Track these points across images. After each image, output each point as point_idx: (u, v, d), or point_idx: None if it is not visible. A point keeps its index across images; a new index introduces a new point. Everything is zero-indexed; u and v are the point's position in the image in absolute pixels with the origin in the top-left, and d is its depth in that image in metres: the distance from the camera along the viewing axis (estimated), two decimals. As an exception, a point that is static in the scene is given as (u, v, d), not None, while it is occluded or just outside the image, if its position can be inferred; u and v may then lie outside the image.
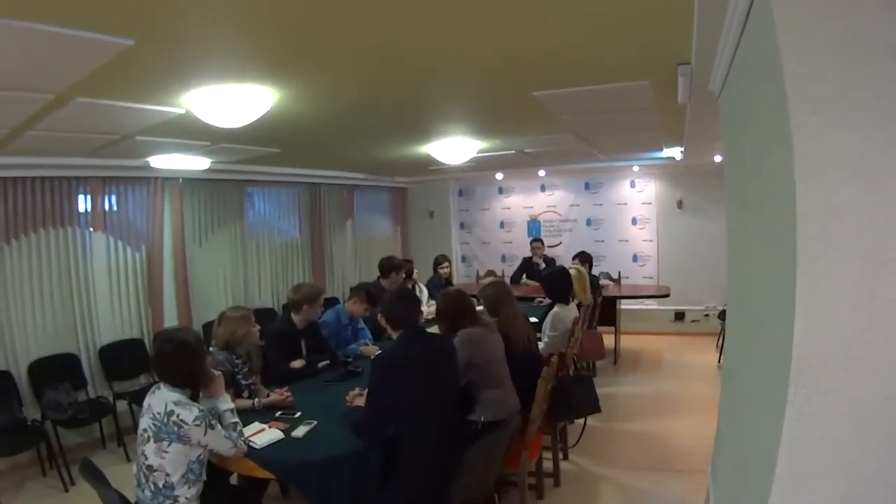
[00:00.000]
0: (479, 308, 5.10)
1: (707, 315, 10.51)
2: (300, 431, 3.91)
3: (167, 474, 3.22)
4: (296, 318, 5.46)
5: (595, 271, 9.32)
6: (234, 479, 4.28)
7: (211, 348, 4.35)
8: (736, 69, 2.50)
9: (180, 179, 7.55)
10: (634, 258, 11.25)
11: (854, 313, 1.51)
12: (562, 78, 3.71)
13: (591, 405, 5.30)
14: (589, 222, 11.59)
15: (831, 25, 1.49)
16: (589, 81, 3.79)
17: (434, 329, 4.63)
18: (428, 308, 7.60)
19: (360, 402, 4.11)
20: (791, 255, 1.55)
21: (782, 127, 1.58)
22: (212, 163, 6.96)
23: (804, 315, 1.53)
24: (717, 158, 8.57)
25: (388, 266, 7.90)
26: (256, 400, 4.35)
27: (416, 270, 8.17)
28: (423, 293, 8.29)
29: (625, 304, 10.17)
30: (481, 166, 9.46)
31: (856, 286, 1.50)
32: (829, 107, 1.50)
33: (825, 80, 1.51)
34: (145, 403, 3.37)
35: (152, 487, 3.23)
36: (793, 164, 1.52)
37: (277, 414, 4.21)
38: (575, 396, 5.10)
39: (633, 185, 11.21)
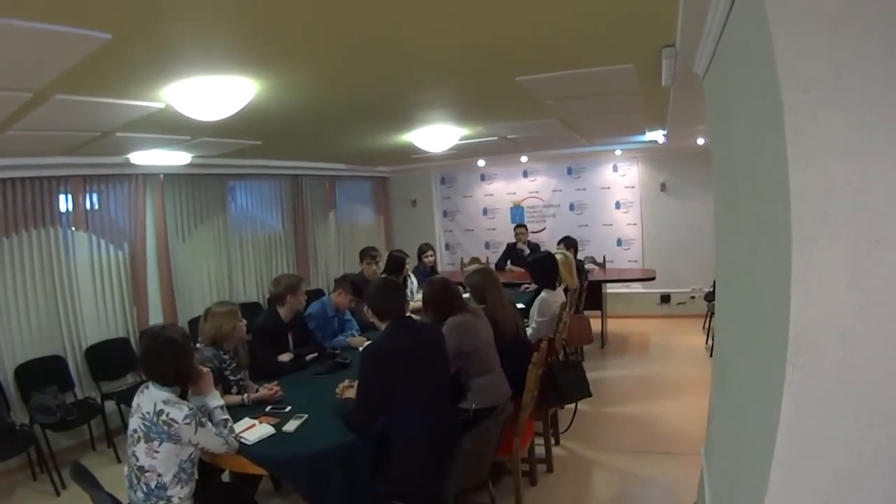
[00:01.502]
0: (466, 295, 5.09)
1: (693, 297, 10.58)
2: (291, 426, 3.90)
3: (159, 474, 3.20)
4: (281, 310, 5.44)
5: (580, 256, 9.32)
6: (226, 477, 4.26)
7: (198, 345, 4.33)
8: (723, 50, 2.49)
9: (161, 175, 7.51)
10: (619, 242, 11.28)
11: (849, 292, 1.50)
12: (545, 62, 3.69)
13: (582, 390, 5.32)
14: (572, 207, 11.61)
15: (823, 4, 1.48)
16: (572, 65, 3.76)
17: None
18: (419, 297, 7.59)
19: (350, 393, 4.10)
20: (785, 234, 1.54)
21: (773, 107, 1.57)
22: (192, 157, 6.92)
23: (800, 295, 1.52)
24: (700, 141, 8.62)
25: (360, 254, 7.98)
26: (245, 395, 4.33)
27: (407, 263, 8.09)
28: (414, 284, 8.26)
29: (610, 288, 10.20)
30: (463, 153, 9.45)
31: (851, 265, 1.50)
32: (821, 86, 1.49)
33: (817, 59, 1.49)
34: (134, 403, 3.35)
35: (144, 488, 3.21)
36: (785, 143, 1.50)
37: (267, 409, 4.21)
38: (565, 382, 5.11)
39: (615, 169, 11.23)
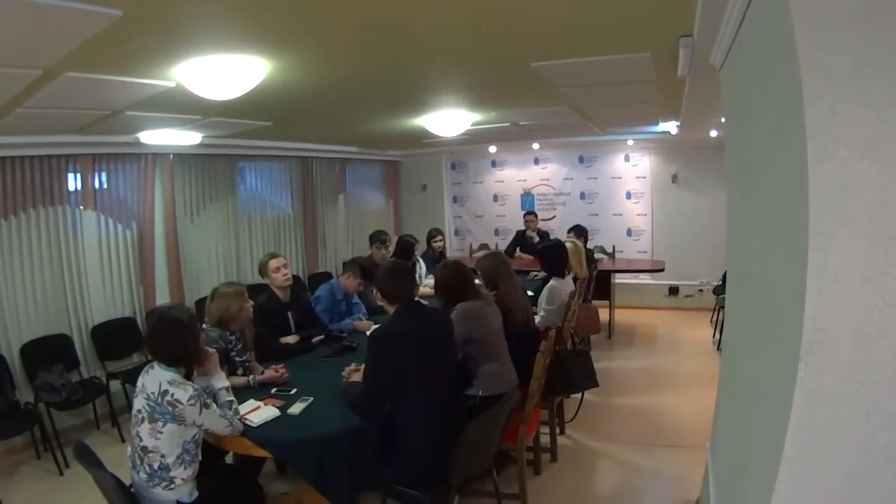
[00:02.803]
0: (477, 281, 5.06)
1: (701, 290, 10.54)
2: (296, 408, 3.90)
3: (162, 455, 3.20)
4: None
5: (589, 245, 9.29)
6: (229, 458, 4.27)
7: (204, 325, 4.31)
8: (741, 42, 2.46)
9: (171, 155, 7.48)
10: (628, 232, 11.24)
11: (864, 290, 1.50)
12: (561, 48, 3.65)
13: (589, 379, 5.30)
14: (583, 196, 11.56)
15: (846, -1, 1.46)
16: (588, 53, 3.73)
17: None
18: (427, 281, 7.58)
19: (357, 377, 4.10)
20: (802, 230, 1.53)
21: (794, 101, 1.55)
22: (203, 137, 6.89)
23: (815, 291, 1.52)
24: (713, 133, 8.58)
25: (370, 238, 7.98)
26: (251, 377, 4.33)
27: (416, 248, 8.09)
28: (422, 269, 8.25)
29: (619, 279, 10.21)
30: (475, 139, 9.41)
31: (866, 263, 1.49)
32: (842, 82, 1.47)
33: (839, 54, 1.48)
34: (139, 383, 3.34)
35: (147, 469, 3.21)
36: (805, 139, 1.49)
37: (273, 391, 4.20)
38: (572, 371, 5.09)
39: (627, 158, 11.17)
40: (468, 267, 4.77)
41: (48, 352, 6.01)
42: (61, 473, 5.39)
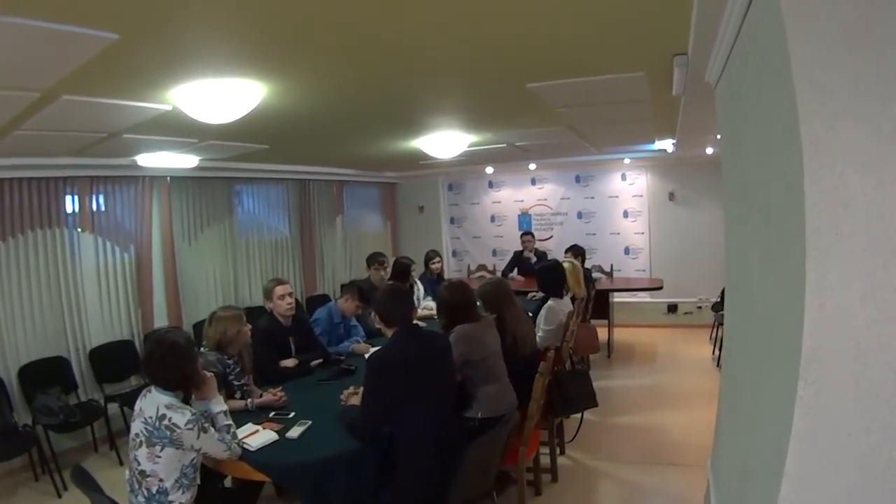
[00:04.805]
0: (477, 303, 5.04)
1: (700, 307, 10.54)
2: (295, 432, 3.86)
3: (160, 479, 3.18)
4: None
5: (587, 264, 9.28)
6: (228, 482, 4.24)
7: (202, 349, 4.30)
8: (735, 59, 2.47)
9: (168, 178, 7.49)
10: (626, 251, 11.25)
11: (863, 305, 1.49)
12: (556, 69, 3.66)
13: (588, 400, 5.28)
14: (580, 215, 11.58)
15: (841, 14, 1.47)
16: (583, 73, 3.75)
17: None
18: (425, 304, 7.58)
19: (355, 400, 4.08)
20: (799, 246, 1.53)
21: (789, 117, 1.56)
22: (200, 160, 6.90)
23: (813, 308, 1.51)
24: (709, 150, 8.61)
25: (367, 259, 7.91)
26: (249, 401, 4.30)
27: (413, 269, 8.06)
28: (420, 291, 8.24)
29: (617, 297, 10.18)
30: (471, 160, 9.44)
31: (865, 278, 1.49)
32: (838, 97, 1.48)
33: (834, 69, 1.48)
34: (136, 407, 3.33)
35: (146, 493, 3.19)
36: (801, 154, 1.49)
37: (271, 414, 4.17)
38: (572, 391, 5.07)
39: (624, 177, 11.20)
40: (470, 288, 4.76)
41: (46, 374, 5.99)
42: (59, 496, 5.36)
